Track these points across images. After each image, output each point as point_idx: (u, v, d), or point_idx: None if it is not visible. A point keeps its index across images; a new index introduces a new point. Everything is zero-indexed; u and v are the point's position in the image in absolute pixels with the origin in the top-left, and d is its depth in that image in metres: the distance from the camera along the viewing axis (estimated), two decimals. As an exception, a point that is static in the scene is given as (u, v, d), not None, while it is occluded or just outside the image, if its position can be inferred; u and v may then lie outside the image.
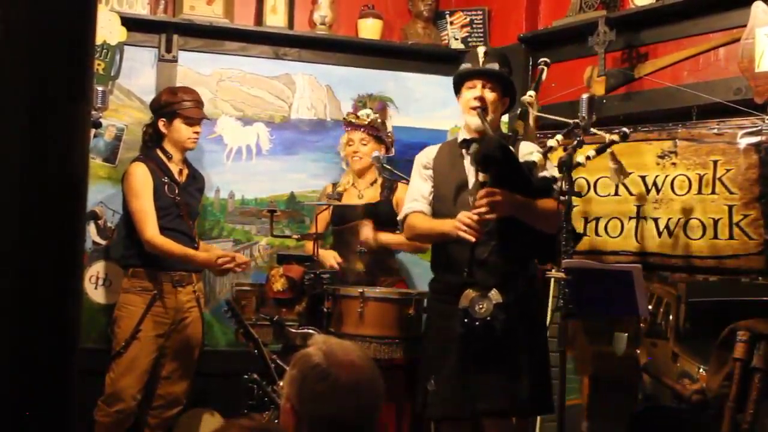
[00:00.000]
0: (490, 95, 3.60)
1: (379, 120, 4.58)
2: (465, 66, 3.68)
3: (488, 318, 3.33)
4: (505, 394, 3.44)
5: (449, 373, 3.50)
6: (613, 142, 3.42)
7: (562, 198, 3.24)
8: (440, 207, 3.66)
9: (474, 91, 3.61)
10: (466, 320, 3.37)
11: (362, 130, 4.53)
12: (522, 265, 3.58)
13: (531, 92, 3.83)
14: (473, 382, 3.45)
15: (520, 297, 3.46)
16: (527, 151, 3.50)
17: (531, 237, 3.43)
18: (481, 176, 3.38)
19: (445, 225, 3.50)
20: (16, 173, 1.65)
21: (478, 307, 3.36)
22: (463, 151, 3.66)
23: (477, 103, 3.57)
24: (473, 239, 3.36)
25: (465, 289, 3.40)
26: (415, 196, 3.74)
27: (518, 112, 3.97)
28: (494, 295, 3.36)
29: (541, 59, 3.90)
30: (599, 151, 3.43)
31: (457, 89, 3.72)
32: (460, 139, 3.72)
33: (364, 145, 4.51)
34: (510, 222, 3.41)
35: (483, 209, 3.32)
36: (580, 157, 3.34)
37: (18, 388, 1.67)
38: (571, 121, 3.50)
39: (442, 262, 3.67)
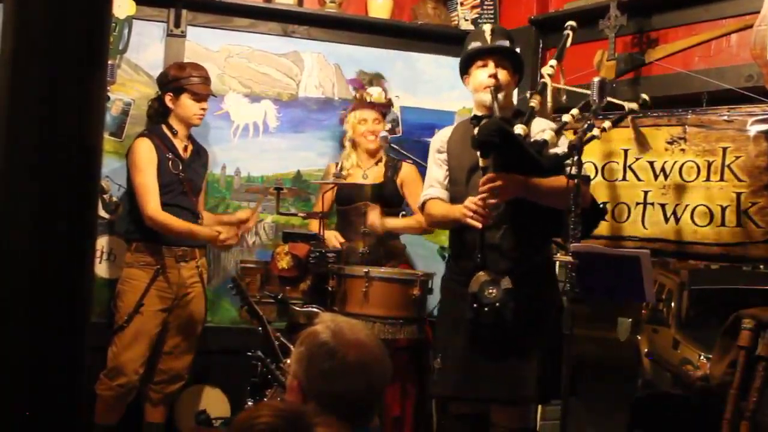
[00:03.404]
0: (503, 73, 3.55)
1: (388, 97, 4.57)
2: (475, 44, 3.60)
3: (497, 304, 3.30)
4: (510, 382, 3.41)
5: (457, 354, 3.50)
6: (632, 111, 3.34)
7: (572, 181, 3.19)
8: (455, 190, 3.62)
9: (487, 69, 3.55)
10: (475, 305, 3.33)
11: (376, 109, 4.50)
12: (535, 249, 3.52)
13: (552, 62, 3.74)
14: (479, 367, 3.44)
15: (531, 282, 3.41)
16: (540, 129, 3.46)
17: (545, 218, 3.37)
18: (481, 161, 3.34)
19: (455, 211, 3.46)
20: (34, 141, 1.64)
21: (488, 292, 3.31)
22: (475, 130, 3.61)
23: (492, 81, 3.51)
24: (479, 225, 3.34)
25: (477, 272, 3.36)
26: (431, 182, 3.70)
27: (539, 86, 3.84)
28: (505, 281, 3.32)
29: (568, 23, 3.77)
30: (615, 123, 3.36)
31: (466, 68, 3.65)
32: (471, 117, 3.65)
33: (378, 124, 4.49)
34: (522, 205, 3.36)
35: (486, 195, 3.29)
36: (595, 130, 3.27)
37: (30, 360, 1.67)
38: (587, 91, 3.44)
39: (456, 245, 3.64)
